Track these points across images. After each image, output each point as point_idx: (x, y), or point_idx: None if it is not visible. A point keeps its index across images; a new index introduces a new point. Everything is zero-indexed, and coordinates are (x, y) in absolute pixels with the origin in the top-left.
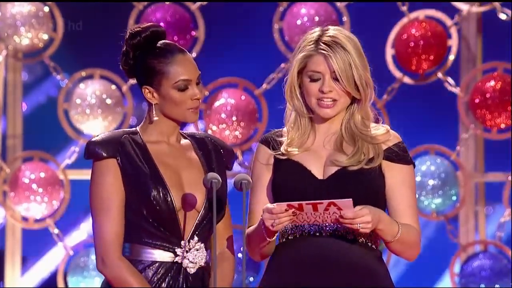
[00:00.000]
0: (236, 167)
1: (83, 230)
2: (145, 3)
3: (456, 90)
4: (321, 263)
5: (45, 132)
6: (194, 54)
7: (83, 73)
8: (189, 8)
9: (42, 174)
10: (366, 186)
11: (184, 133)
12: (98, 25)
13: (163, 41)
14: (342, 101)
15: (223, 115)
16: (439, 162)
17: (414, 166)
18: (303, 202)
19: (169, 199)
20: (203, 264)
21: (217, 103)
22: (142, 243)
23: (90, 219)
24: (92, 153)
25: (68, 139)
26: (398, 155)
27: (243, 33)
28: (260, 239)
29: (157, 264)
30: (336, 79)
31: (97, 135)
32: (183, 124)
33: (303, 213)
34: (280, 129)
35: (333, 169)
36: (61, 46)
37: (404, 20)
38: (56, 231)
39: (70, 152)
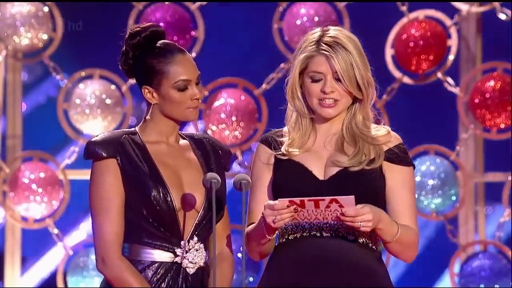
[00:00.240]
0: (235, 167)
1: (83, 230)
2: (145, 3)
3: (455, 90)
4: (321, 264)
5: (45, 132)
6: (193, 54)
7: (83, 73)
8: (189, 8)
9: (42, 174)
10: (367, 187)
11: (183, 134)
12: (97, 25)
13: (163, 41)
14: (344, 101)
15: (222, 115)
16: (439, 162)
17: (414, 168)
18: (305, 199)
19: (169, 199)
20: (202, 264)
21: (216, 103)
22: (141, 243)
23: (90, 219)
24: (92, 153)
25: (67, 139)
26: (398, 156)
27: (242, 33)
28: (260, 236)
29: (156, 264)
30: (338, 79)
31: (97, 135)
32: (182, 124)
33: (304, 210)
34: (280, 129)
35: (334, 170)
36: (60, 46)
37: (404, 20)
38: (55, 231)
39: (70, 152)
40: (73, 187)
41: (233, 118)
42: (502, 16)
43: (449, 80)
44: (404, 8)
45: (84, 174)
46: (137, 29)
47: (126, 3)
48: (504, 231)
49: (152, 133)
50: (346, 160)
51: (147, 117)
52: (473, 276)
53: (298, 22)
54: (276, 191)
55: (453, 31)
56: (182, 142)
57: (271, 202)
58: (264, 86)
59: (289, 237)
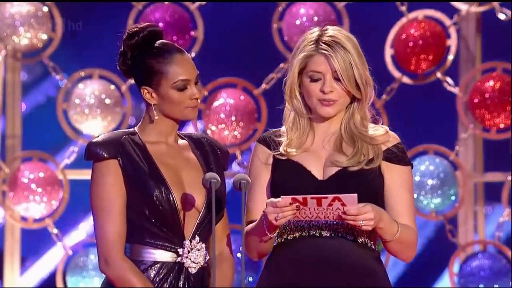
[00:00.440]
0: (235, 167)
1: (82, 230)
2: (144, 3)
3: (455, 90)
4: (320, 264)
5: (44, 132)
6: (193, 54)
7: (82, 73)
8: (188, 8)
9: (41, 174)
10: (366, 187)
11: (181, 134)
12: (97, 25)
13: (161, 41)
14: (342, 101)
15: (222, 115)
16: (438, 162)
17: (412, 167)
18: (308, 196)
19: (171, 199)
20: (204, 264)
21: (216, 103)
22: (143, 243)
23: (89, 219)
24: (93, 154)
25: (67, 139)
26: (397, 156)
27: (242, 33)
28: (260, 235)
29: (159, 265)
30: (337, 79)
31: (97, 136)
32: (181, 124)
33: (306, 208)
34: (278, 129)
35: (333, 170)
36: (60, 46)
37: (403, 20)
38: (55, 231)
39: (69, 152)
40: (73, 187)
41: (233, 118)
42: (502, 16)
43: (449, 80)
44: (403, 8)
45: (83, 174)
46: (135, 29)
47: (125, 3)
48: (503, 231)
49: (151, 133)
50: (345, 160)
51: (146, 117)
52: (472, 276)
53: (298, 22)
54: (275, 191)
55: (452, 31)
56: (181, 142)
57: (274, 199)
58: (263, 86)
59: (288, 237)
